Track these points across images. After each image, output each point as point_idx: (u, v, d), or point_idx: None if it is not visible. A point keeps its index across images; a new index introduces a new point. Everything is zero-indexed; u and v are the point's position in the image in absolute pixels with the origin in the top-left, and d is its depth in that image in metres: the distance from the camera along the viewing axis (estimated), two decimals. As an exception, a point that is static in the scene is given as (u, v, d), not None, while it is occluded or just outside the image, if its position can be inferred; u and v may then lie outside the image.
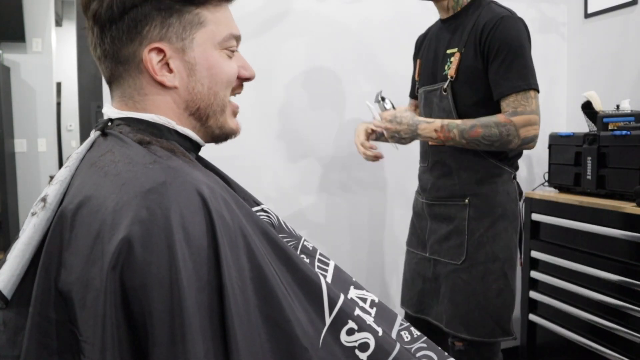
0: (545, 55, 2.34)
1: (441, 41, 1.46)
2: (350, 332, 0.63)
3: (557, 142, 1.89)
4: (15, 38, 3.46)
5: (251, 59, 0.77)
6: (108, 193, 0.57)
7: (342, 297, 0.65)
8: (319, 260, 0.79)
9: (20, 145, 3.58)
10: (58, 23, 4.61)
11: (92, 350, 0.53)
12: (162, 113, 0.67)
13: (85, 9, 0.65)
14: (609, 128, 1.74)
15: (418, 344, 0.76)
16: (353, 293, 0.76)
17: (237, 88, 0.74)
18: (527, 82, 1.30)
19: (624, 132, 1.62)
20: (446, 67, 1.41)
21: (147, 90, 0.67)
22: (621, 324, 1.59)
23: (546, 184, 2.00)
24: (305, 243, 0.81)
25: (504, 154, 1.43)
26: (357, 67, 2.06)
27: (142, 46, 0.64)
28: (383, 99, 1.43)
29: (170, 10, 0.64)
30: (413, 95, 1.71)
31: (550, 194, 1.90)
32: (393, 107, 1.42)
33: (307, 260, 0.75)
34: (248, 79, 0.74)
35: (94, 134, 0.68)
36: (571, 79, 2.39)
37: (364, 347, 0.63)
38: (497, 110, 1.35)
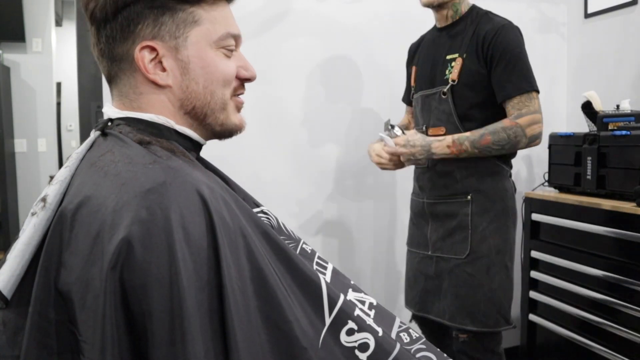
0: (545, 55, 2.35)
1: (440, 48, 1.53)
2: (350, 332, 0.63)
3: (557, 142, 1.89)
4: (15, 38, 3.46)
5: (251, 58, 0.77)
6: (108, 193, 0.57)
7: (342, 297, 0.65)
8: (317, 264, 0.79)
9: (20, 145, 3.58)
10: (58, 23, 4.61)
11: (92, 350, 0.53)
12: (158, 112, 0.67)
13: (85, 9, 0.66)
14: (609, 128, 1.74)
15: (417, 346, 0.76)
16: (351, 296, 0.76)
17: (239, 88, 0.73)
18: (529, 84, 1.40)
19: (624, 132, 1.62)
20: (447, 72, 1.48)
21: (142, 89, 0.67)
22: (621, 324, 1.59)
23: (546, 184, 2.00)
24: (304, 246, 0.81)
25: None
26: (357, 67, 2.06)
27: (134, 45, 0.64)
28: (392, 126, 1.49)
29: (163, 8, 0.64)
30: (408, 101, 1.75)
31: (550, 194, 1.90)
32: (403, 132, 1.48)
33: None
34: (248, 80, 0.74)
35: (93, 134, 0.68)
36: (571, 79, 2.39)
37: (363, 347, 0.63)
38: (494, 111, 1.44)
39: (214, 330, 0.54)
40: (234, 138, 0.75)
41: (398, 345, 0.66)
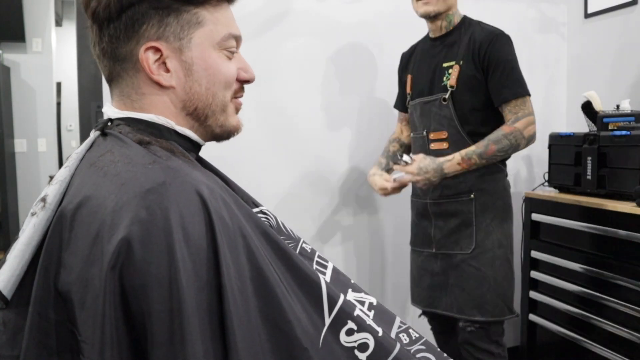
0: (545, 55, 2.34)
1: (436, 56, 1.63)
2: (350, 332, 0.63)
3: (557, 142, 1.89)
4: (15, 38, 3.46)
5: (251, 59, 0.77)
6: (107, 193, 0.57)
7: (342, 297, 0.64)
8: (318, 263, 0.79)
9: (20, 145, 3.58)
10: (58, 23, 4.61)
11: (92, 350, 0.53)
12: (160, 112, 0.67)
13: (85, 8, 0.65)
14: (609, 128, 1.74)
15: (417, 346, 0.76)
16: (351, 296, 0.76)
17: (239, 90, 0.73)
18: (524, 89, 1.52)
19: (624, 132, 1.62)
20: (445, 79, 1.58)
21: (144, 90, 0.67)
22: (621, 324, 1.59)
23: (546, 184, 2.00)
24: (304, 245, 0.81)
25: None
26: (357, 67, 2.06)
27: (139, 45, 0.64)
28: (401, 156, 1.55)
29: (168, 9, 0.64)
30: (402, 108, 1.80)
31: (550, 194, 1.90)
32: (410, 157, 1.53)
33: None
34: (248, 82, 0.73)
35: (93, 134, 0.68)
36: (571, 79, 2.39)
37: (363, 347, 0.63)
38: (491, 113, 1.55)
39: (213, 331, 0.54)
40: (233, 138, 0.75)
41: (398, 345, 0.66)
